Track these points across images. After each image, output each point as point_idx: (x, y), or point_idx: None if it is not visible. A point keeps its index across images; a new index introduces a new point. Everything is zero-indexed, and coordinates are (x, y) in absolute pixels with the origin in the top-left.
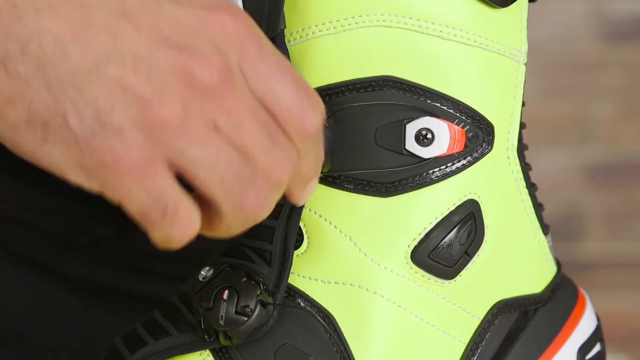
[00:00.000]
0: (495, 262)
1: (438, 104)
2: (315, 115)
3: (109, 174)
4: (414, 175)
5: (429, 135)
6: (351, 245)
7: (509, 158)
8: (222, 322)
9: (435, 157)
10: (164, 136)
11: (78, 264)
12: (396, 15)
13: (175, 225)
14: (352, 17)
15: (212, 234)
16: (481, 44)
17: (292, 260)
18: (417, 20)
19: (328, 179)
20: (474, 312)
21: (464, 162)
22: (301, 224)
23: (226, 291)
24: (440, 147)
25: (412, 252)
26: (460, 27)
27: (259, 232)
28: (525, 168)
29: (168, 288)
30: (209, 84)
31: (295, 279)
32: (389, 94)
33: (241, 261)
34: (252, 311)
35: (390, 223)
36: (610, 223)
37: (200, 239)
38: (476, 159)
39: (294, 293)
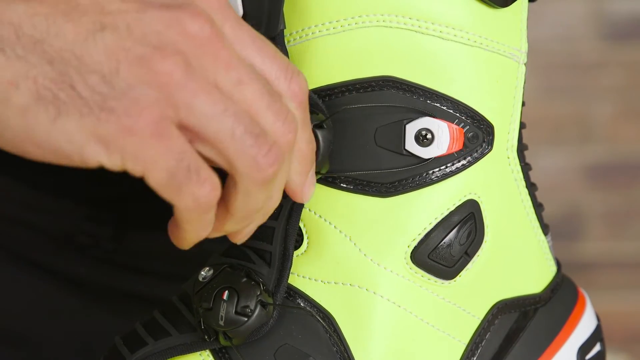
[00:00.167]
0: (495, 262)
1: (438, 104)
2: (301, 80)
3: (128, 138)
4: (413, 175)
5: (429, 136)
6: (351, 246)
7: (509, 158)
8: (222, 323)
9: (435, 158)
10: (170, 90)
11: (78, 264)
12: (396, 16)
13: (201, 184)
14: (352, 18)
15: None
16: (481, 44)
17: (292, 260)
18: (417, 20)
19: (328, 179)
20: (474, 312)
21: (463, 162)
22: (301, 224)
23: (226, 291)
24: (440, 147)
25: (412, 253)
26: (460, 27)
27: (258, 232)
28: (525, 168)
29: (168, 288)
30: (202, 35)
31: (295, 279)
32: (389, 94)
33: (241, 261)
34: (252, 311)
35: (390, 223)
36: (610, 223)
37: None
38: (476, 159)
39: (294, 293)
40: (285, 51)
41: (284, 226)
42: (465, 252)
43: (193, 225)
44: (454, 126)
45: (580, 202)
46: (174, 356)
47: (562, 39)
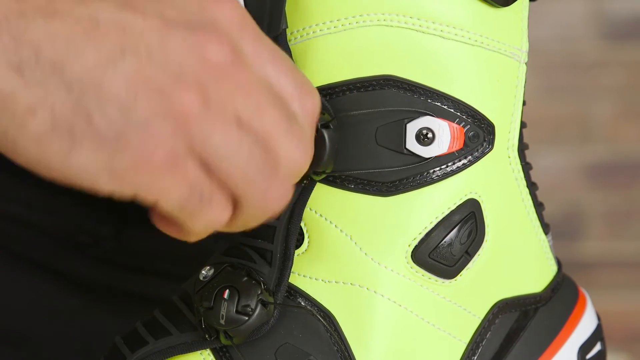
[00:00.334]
0: (496, 262)
1: (439, 104)
2: (315, 97)
3: (142, 172)
4: (414, 174)
5: (430, 135)
6: (352, 245)
7: (509, 157)
8: (222, 322)
9: (436, 157)
10: (187, 124)
11: (78, 264)
12: (397, 15)
13: (213, 209)
14: (353, 17)
15: (227, 228)
16: (482, 43)
17: (293, 259)
18: (418, 19)
19: (329, 178)
20: (474, 312)
21: (464, 161)
22: (302, 224)
23: (227, 291)
24: (440, 146)
25: (412, 252)
26: (461, 26)
27: (259, 231)
28: (526, 167)
29: (168, 288)
30: (224, 62)
31: (296, 279)
32: (390, 93)
33: (242, 261)
34: (253, 311)
35: (391, 222)
36: (610, 222)
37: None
38: (477, 159)
39: (295, 292)
40: (288, 50)
41: (286, 225)
42: (466, 252)
43: (200, 235)
44: (455, 125)
45: (580, 201)
46: (174, 355)
47: (563, 38)
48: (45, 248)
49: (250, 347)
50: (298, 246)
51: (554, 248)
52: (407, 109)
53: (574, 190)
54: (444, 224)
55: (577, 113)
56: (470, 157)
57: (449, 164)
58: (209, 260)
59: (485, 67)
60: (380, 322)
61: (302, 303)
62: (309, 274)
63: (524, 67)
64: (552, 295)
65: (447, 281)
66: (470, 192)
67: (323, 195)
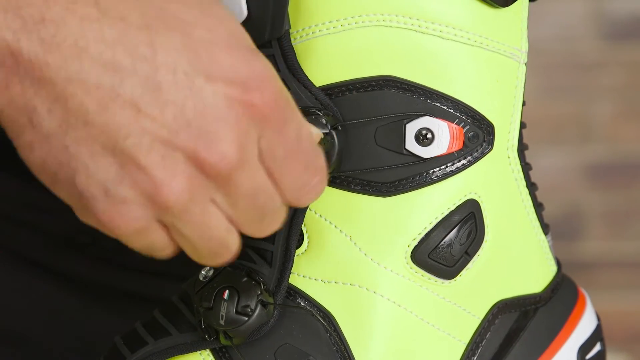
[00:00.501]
0: (496, 262)
1: (438, 104)
2: (313, 194)
3: (108, 231)
4: (414, 175)
5: (429, 135)
6: (351, 245)
7: (509, 158)
8: (222, 322)
9: (435, 157)
10: (164, 215)
11: (78, 264)
12: (396, 15)
13: (157, 252)
14: (352, 17)
15: None
16: (481, 43)
17: (293, 260)
18: (417, 20)
19: (329, 178)
20: (474, 312)
21: (464, 161)
22: None
23: (227, 291)
24: (440, 146)
25: (412, 252)
26: (460, 26)
27: None
28: (526, 168)
29: (168, 288)
30: (217, 172)
31: (296, 279)
32: (389, 93)
33: (242, 261)
34: (253, 311)
35: (391, 223)
36: (610, 222)
37: None
38: (476, 159)
39: (294, 293)
40: (292, 51)
41: (287, 226)
42: (466, 252)
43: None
44: (454, 126)
45: (580, 201)
46: (174, 355)
47: (562, 38)
48: (45, 248)
49: (250, 347)
50: (298, 246)
51: (554, 248)
52: (406, 109)
53: (573, 190)
54: (444, 224)
55: (577, 113)
56: (469, 157)
57: (449, 165)
58: None
59: (485, 67)
60: (379, 323)
61: (302, 303)
62: (308, 274)
63: (524, 67)
64: (552, 295)
65: (446, 281)
66: (470, 193)
67: (323, 196)
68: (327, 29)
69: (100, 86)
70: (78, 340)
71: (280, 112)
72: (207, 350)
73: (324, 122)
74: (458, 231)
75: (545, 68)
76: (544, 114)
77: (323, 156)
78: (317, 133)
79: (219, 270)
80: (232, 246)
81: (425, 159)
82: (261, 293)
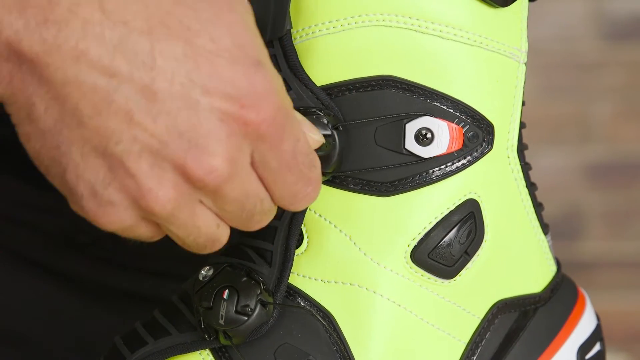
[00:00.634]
0: (495, 262)
1: (438, 104)
2: (305, 202)
3: (95, 225)
4: (413, 174)
5: (429, 135)
6: (351, 245)
7: (509, 157)
8: (222, 322)
9: (435, 157)
10: (151, 217)
11: (78, 264)
12: (396, 15)
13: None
14: (352, 17)
15: None
16: (481, 43)
17: (293, 260)
18: (417, 19)
19: (328, 178)
20: (474, 312)
21: (463, 161)
22: None
23: (226, 291)
24: (440, 146)
25: (412, 252)
26: (460, 26)
27: (260, 232)
28: (525, 167)
29: (168, 288)
30: (204, 184)
31: (295, 279)
32: (389, 93)
33: (241, 261)
34: (252, 311)
35: (390, 222)
36: (610, 222)
37: None
38: (476, 159)
39: (294, 292)
40: (293, 51)
41: (287, 226)
42: (465, 252)
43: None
44: (454, 125)
45: (580, 201)
46: (174, 355)
47: (562, 38)
48: (45, 248)
49: (250, 347)
50: (297, 246)
51: (554, 248)
52: (406, 109)
53: (573, 190)
54: (443, 224)
55: (577, 113)
56: (469, 157)
57: (448, 164)
58: (208, 260)
59: (485, 67)
60: (379, 322)
61: (302, 303)
62: (308, 274)
63: (524, 67)
64: (552, 295)
65: (446, 281)
66: (470, 192)
67: (323, 196)
68: (327, 29)
69: (96, 90)
70: (78, 340)
71: (276, 130)
72: (207, 350)
73: (325, 122)
74: (458, 231)
75: (545, 68)
76: (543, 114)
77: (318, 167)
78: (317, 139)
79: (218, 270)
80: (222, 238)
81: (425, 158)
82: (261, 293)
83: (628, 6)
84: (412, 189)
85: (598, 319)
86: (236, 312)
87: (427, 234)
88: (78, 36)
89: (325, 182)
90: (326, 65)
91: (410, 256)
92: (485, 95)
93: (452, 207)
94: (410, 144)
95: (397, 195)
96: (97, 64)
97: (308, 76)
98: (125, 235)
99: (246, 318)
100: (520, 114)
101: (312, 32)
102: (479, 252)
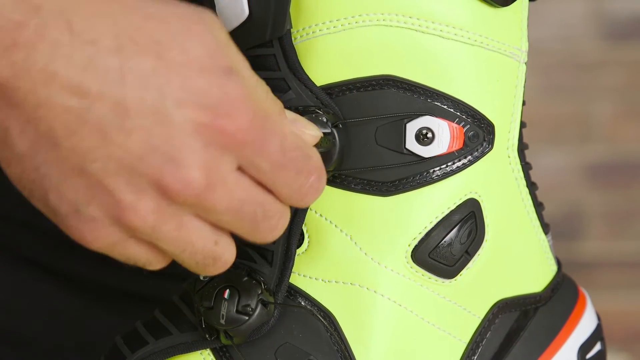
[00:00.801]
0: (496, 261)
1: (438, 103)
2: (313, 194)
3: (83, 245)
4: (414, 174)
5: (430, 135)
6: (352, 245)
7: (509, 157)
8: (223, 321)
9: (436, 156)
10: (134, 233)
11: (78, 264)
12: (396, 15)
13: (146, 265)
14: (352, 17)
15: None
16: (481, 43)
17: (294, 259)
18: (418, 19)
19: (329, 178)
20: (474, 311)
21: (464, 161)
22: None
23: (227, 290)
24: (440, 146)
25: (412, 251)
26: (460, 26)
27: None
28: (526, 167)
29: (168, 287)
30: (183, 198)
31: (296, 278)
32: (389, 93)
33: (242, 260)
34: (253, 310)
35: (391, 222)
36: (610, 222)
37: None
38: (477, 158)
39: (295, 292)
40: (293, 51)
41: (288, 226)
42: (466, 251)
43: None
44: (455, 125)
45: (580, 201)
46: (174, 355)
47: (563, 38)
48: (45, 248)
49: (251, 346)
50: (298, 246)
51: (554, 248)
52: (406, 108)
53: (573, 190)
54: (444, 223)
55: (577, 113)
56: (470, 157)
57: (449, 164)
58: None
59: (485, 67)
60: (380, 322)
61: (302, 303)
62: (309, 273)
63: (524, 66)
64: (552, 295)
65: (447, 281)
66: (470, 192)
67: (323, 195)
68: (327, 29)
69: (68, 111)
70: (78, 340)
71: (256, 134)
72: (208, 349)
73: (325, 120)
74: (458, 230)
75: (545, 68)
76: (544, 113)
77: (316, 155)
78: (314, 134)
79: None
80: (223, 257)
81: (425, 158)
82: (262, 292)
83: (628, 6)
84: (412, 189)
85: (598, 318)
86: (237, 311)
87: (428, 234)
88: (47, 59)
89: (326, 182)
90: (326, 65)
91: (411, 256)
92: (485, 95)
93: (453, 207)
94: (411, 144)
95: (397, 195)
96: (67, 85)
97: (307, 76)
98: (118, 255)
99: (247, 318)
100: (521, 114)
101: (312, 32)
102: (480, 251)
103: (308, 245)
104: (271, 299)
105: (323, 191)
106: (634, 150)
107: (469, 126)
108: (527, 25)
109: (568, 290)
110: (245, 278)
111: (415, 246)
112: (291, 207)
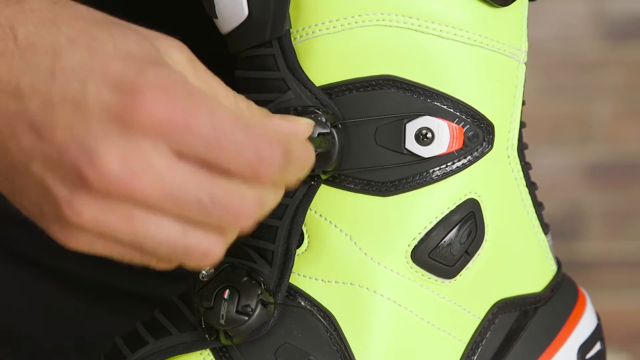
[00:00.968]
0: (496, 261)
1: (438, 103)
2: (271, 158)
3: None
4: (414, 174)
5: (429, 135)
6: (351, 245)
7: (509, 157)
8: (222, 322)
9: (435, 156)
10: (82, 231)
11: (78, 264)
12: (396, 15)
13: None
14: (352, 17)
15: None
16: (481, 43)
17: (294, 259)
18: (417, 19)
19: (329, 178)
20: (474, 312)
21: (464, 161)
22: None
23: (227, 290)
24: (440, 146)
25: (412, 251)
26: (460, 26)
27: (261, 231)
28: (526, 167)
29: (168, 288)
30: (104, 188)
31: (296, 278)
32: (389, 93)
33: (242, 260)
34: (253, 310)
35: (391, 222)
36: (610, 222)
37: None
38: (476, 158)
39: (295, 292)
40: (292, 51)
41: (288, 225)
42: (466, 251)
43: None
44: (454, 125)
45: (580, 201)
46: (174, 355)
47: (563, 38)
48: (45, 248)
49: (250, 347)
50: (298, 246)
51: (554, 248)
52: (406, 108)
53: (573, 190)
54: (444, 223)
55: (577, 113)
56: (469, 157)
57: (449, 164)
58: None
59: (485, 67)
60: (380, 322)
61: (302, 303)
62: (308, 274)
63: (524, 66)
64: (552, 295)
65: (446, 281)
66: (470, 192)
67: (323, 195)
68: (327, 29)
69: (7, 113)
70: (78, 340)
71: (178, 114)
72: (208, 349)
73: (324, 120)
74: (458, 230)
75: (545, 68)
76: (544, 113)
77: (259, 123)
78: (307, 121)
79: (219, 270)
80: (200, 248)
81: (425, 158)
82: (261, 293)
83: (628, 6)
84: (412, 189)
85: (598, 318)
86: (237, 312)
87: (428, 234)
88: None
89: (326, 182)
90: (326, 65)
91: (411, 256)
92: (485, 95)
93: (453, 207)
94: (411, 144)
95: (397, 195)
96: (6, 88)
97: (307, 76)
98: (103, 254)
99: (247, 318)
100: (521, 114)
101: (312, 32)
102: (480, 251)
103: (308, 245)
104: (271, 299)
105: (323, 191)
106: (634, 150)
107: (468, 126)
108: (527, 25)
109: (568, 290)
110: (245, 278)
111: (415, 246)
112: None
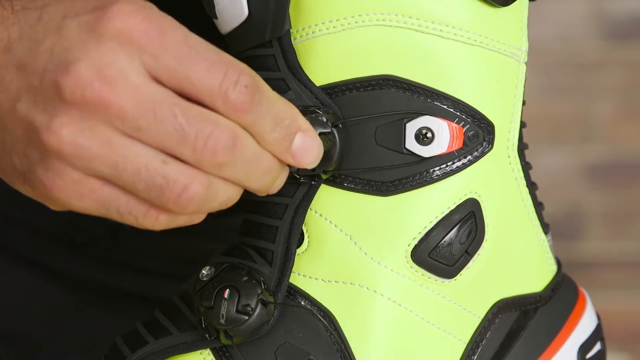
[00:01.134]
0: (496, 261)
1: (438, 103)
2: (240, 86)
3: (53, 204)
4: (414, 174)
5: (429, 134)
6: (351, 244)
7: (509, 157)
8: (222, 321)
9: (435, 156)
10: (69, 161)
11: (77, 264)
12: (396, 15)
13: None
14: (352, 17)
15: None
16: (481, 42)
17: (294, 259)
18: (417, 19)
19: (329, 178)
20: (474, 311)
21: (464, 161)
22: None
23: (227, 290)
24: (440, 146)
25: (412, 251)
26: (460, 26)
27: (261, 231)
28: (526, 167)
29: (167, 287)
30: (79, 98)
31: (296, 278)
32: (389, 93)
33: (242, 260)
34: (253, 310)
35: (391, 222)
36: (610, 222)
37: (199, 237)
38: (477, 158)
39: (295, 292)
40: (292, 51)
41: (288, 225)
42: (466, 251)
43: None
44: (454, 125)
45: (580, 201)
46: (174, 355)
47: (563, 38)
48: (43, 247)
49: (250, 346)
50: (298, 246)
51: (554, 248)
52: (406, 108)
53: (573, 190)
54: (444, 223)
55: (577, 113)
56: (469, 156)
57: (449, 164)
58: (209, 260)
59: (485, 66)
60: (380, 322)
61: (302, 303)
62: (308, 273)
63: (524, 66)
64: (552, 294)
65: (447, 281)
66: (470, 192)
67: (323, 195)
68: (327, 29)
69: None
70: (78, 340)
71: (152, 28)
72: (208, 349)
73: (325, 120)
74: (458, 230)
75: (545, 68)
76: (544, 113)
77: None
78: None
79: (219, 270)
80: (179, 182)
81: (425, 158)
82: (262, 292)
83: (628, 6)
84: (412, 189)
85: (598, 318)
86: (237, 311)
87: (428, 234)
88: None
89: (326, 182)
90: (326, 65)
91: (411, 255)
92: (485, 95)
93: (453, 207)
94: (411, 144)
95: (397, 195)
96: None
97: (307, 76)
98: (94, 206)
99: (247, 317)
100: (521, 114)
101: (312, 32)
102: (480, 251)
103: (308, 245)
104: (271, 299)
105: (323, 191)
106: (634, 150)
107: (468, 126)
108: (527, 25)
109: (568, 290)
110: (245, 278)
111: (415, 246)
112: (290, 208)
